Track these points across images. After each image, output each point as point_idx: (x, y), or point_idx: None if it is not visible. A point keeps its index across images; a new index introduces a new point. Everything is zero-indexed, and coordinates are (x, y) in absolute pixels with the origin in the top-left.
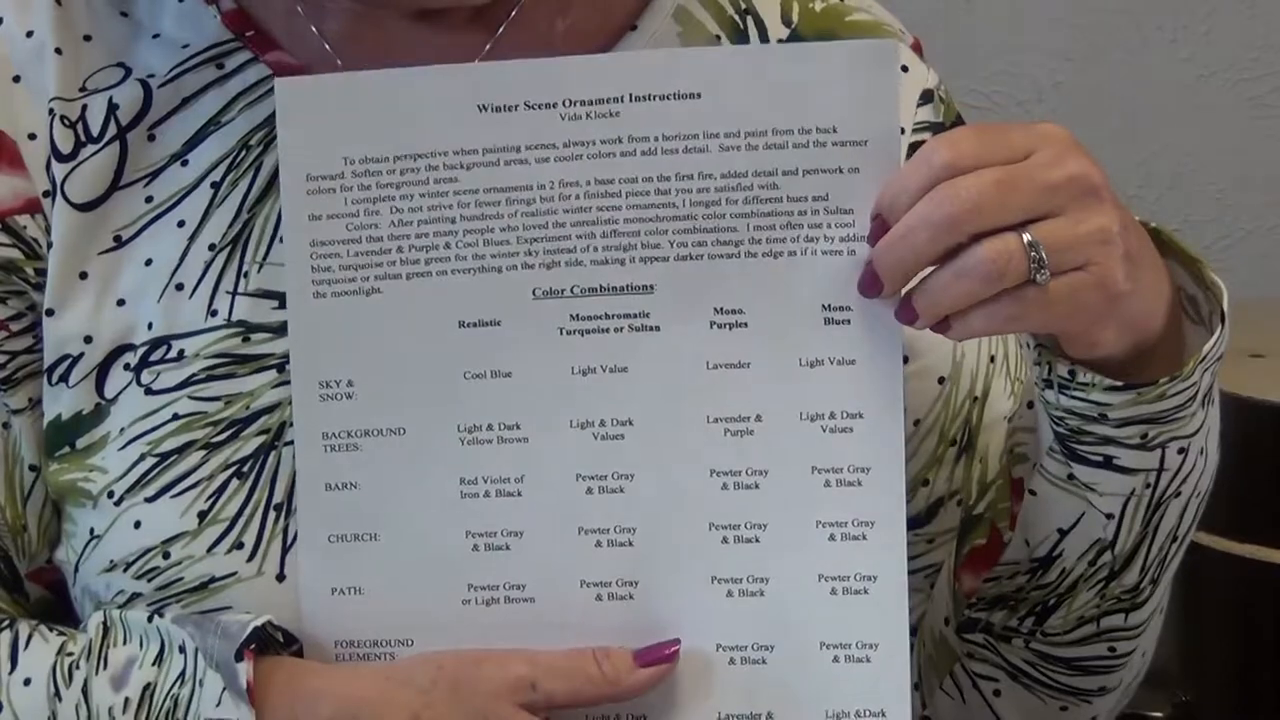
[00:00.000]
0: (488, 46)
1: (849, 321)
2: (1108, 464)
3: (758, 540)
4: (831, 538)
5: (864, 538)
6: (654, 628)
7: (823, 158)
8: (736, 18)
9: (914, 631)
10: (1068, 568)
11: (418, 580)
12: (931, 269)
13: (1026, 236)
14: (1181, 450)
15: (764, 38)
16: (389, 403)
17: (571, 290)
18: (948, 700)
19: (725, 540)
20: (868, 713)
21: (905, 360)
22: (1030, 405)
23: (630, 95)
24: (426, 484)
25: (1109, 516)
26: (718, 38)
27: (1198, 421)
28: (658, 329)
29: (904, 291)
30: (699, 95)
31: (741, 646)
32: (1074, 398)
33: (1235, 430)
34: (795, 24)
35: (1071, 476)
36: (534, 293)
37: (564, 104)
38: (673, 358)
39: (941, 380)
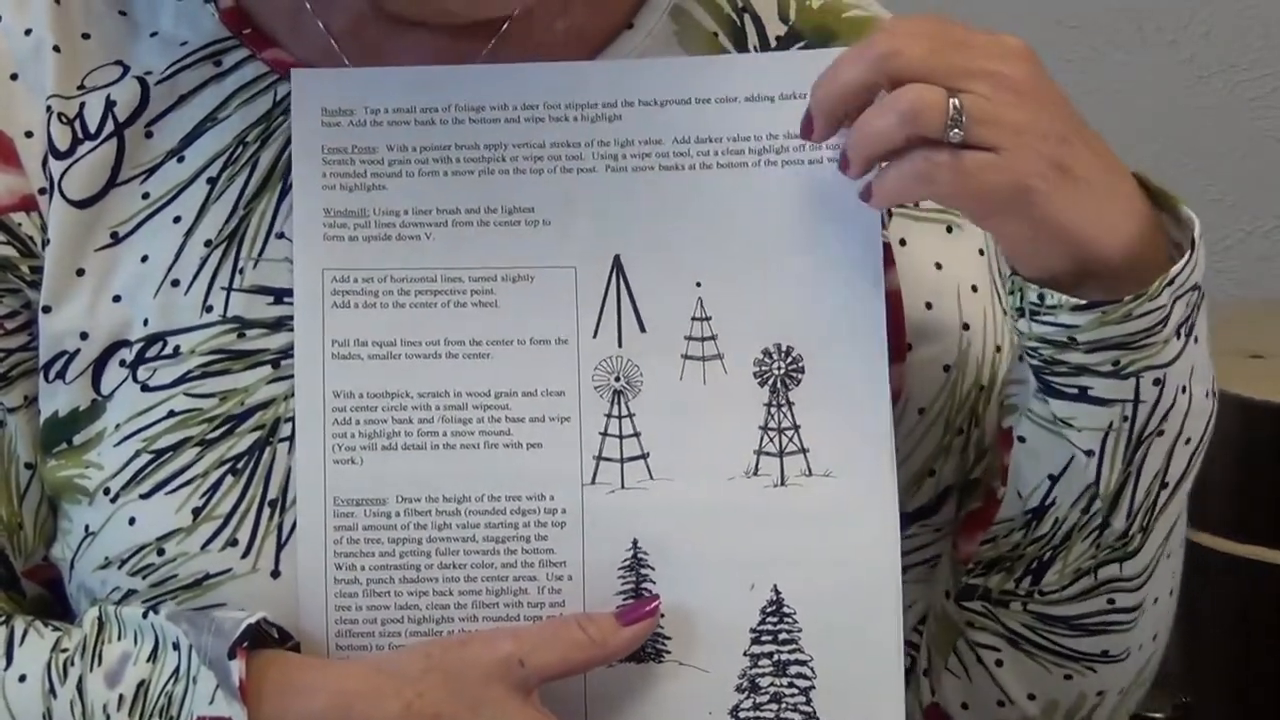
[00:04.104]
0: (491, 44)
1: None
2: (1083, 395)
3: None
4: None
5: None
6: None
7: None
8: (733, 15)
9: (921, 620)
10: (1061, 517)
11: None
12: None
13: (954, 100)
14: (1157, 382)
15: (761, 34)
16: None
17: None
18: (953, 680)
19: None
20: None
21: (910, 348)
22: (1021, 358)
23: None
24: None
25: (1089, 454)
26: (715, 34)
27: (1172, 352)
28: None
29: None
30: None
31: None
32: (1044, 323)
33: (1235, 431)
34: (793, 20)
35: (1056, 417)
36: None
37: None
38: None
39: (947, 368)
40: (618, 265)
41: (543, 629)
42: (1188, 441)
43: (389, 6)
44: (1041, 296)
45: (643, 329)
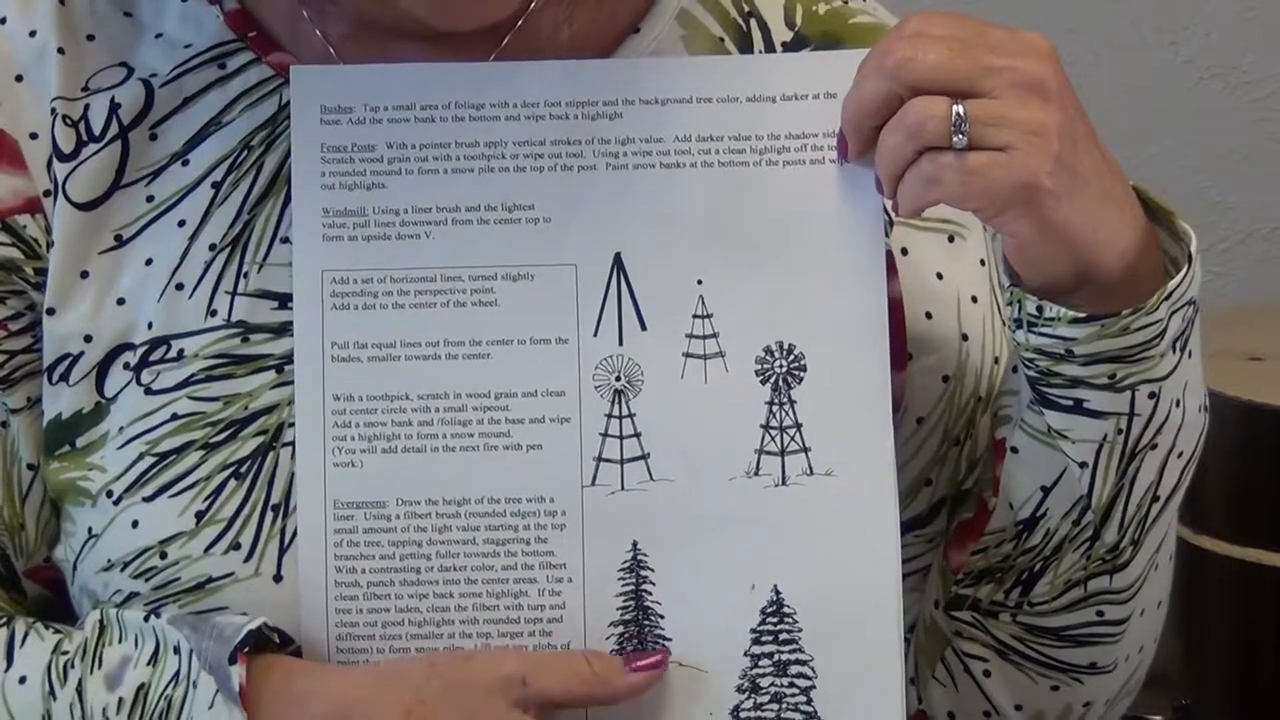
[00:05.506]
0: (493, 55)
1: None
2: (1078, 408)
3: None
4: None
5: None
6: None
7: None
8: (740, 20)
9: (910, 628)
10: (1052, 528)
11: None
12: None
13: (957, 107)
14: (1153, 395)
15: (767, 39)
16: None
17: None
18: (940, 689)
19: None
20: None
21: (910, 357)
22: (1015, 370)
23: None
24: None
25: (1082, 466)
26: (721, 39)
27: (1168, 366)
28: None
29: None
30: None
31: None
32: (1042, 334)
33: (1235, 433)
34: (799, 26)
35: (1050, 429)
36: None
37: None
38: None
39: (946, 379)
40: (618, 263)
41: (550, 655)
42: (1180, 455)
43: (370, 16)
44: (1040, 308)
45: (644, 327)
